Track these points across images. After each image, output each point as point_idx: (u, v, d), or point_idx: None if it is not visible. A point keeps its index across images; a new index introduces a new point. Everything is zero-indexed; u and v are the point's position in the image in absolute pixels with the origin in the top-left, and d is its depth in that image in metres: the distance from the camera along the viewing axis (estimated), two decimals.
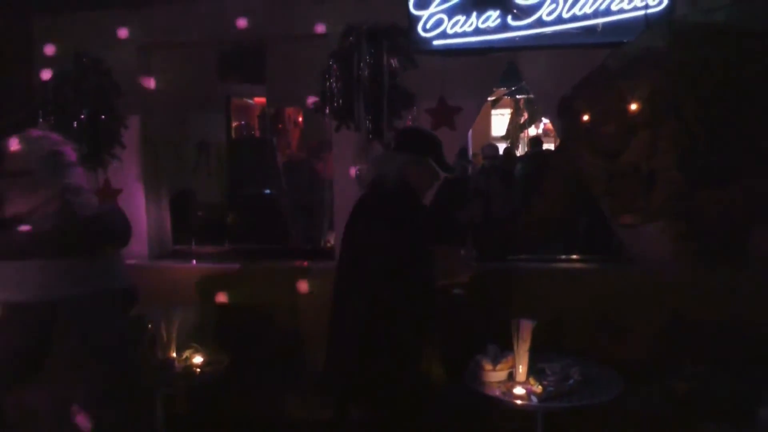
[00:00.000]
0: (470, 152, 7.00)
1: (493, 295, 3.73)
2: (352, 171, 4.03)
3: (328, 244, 4.78)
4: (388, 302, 2.46)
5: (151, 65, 4.53)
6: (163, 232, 4.80)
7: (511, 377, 2.67)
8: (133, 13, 4.31)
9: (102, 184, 4.33)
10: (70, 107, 4.07)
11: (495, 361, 2.67)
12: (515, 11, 3.86)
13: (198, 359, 3.31)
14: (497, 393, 2.58)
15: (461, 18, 3.90)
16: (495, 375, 2.65)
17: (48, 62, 4.23)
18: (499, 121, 10.59)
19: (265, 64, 4.54)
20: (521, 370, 2.64)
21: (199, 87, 4.62)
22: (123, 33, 4.30)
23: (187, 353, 3.33)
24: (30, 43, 4.44)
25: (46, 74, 4.13)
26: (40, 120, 4.13)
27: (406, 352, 2.49)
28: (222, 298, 4.21)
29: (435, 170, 2.59)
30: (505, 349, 2.71)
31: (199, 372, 3.24)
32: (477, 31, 3.90)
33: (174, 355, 3.28)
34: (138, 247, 4.51)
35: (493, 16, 3.88)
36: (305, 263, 4.43)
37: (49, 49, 4.29)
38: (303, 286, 4.12)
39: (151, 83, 4.42)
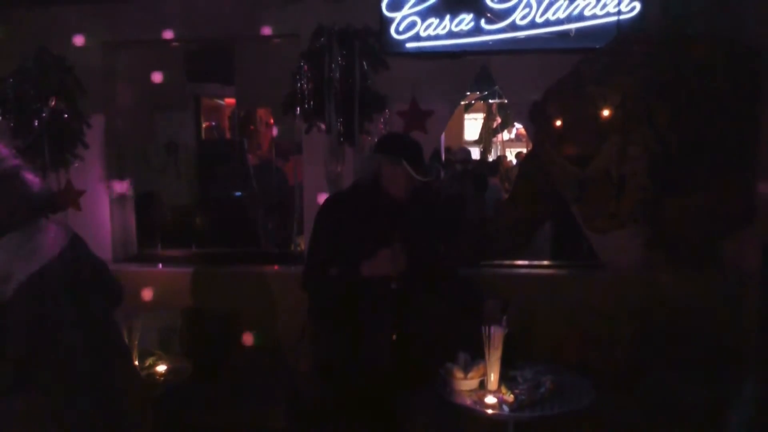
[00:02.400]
0: (443, 156, 6.98)
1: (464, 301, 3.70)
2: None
3: (298, 248, 4.71)
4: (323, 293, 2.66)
5: (116, 63, 4.42)
6: (127, 234, 4.69)
7: (482, 386, 2.63)
8: (97, 9, 4.21)
9: (64, 185, 4.21)
10: (30, 105, 3.95)
11: (466, 370, 2.63)
12: (489, 15, 3.85)
13: (161, 367, 3.22)
14: (468, 402, 2.54)
15: (434, 21, 3.88)
16: (466, 383, 2.60)
17: (8, 58, 4.09)
18: (473, 125, 10.62)
19: (235, 64, 4.46)
20: (493, 378, 2.59)
21: (167, 86, 4.51)
22: (86, 30, 4.19)
23: (150, 361, 3.24)
24: None
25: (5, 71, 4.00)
26: (0, 118, 4.01)
27: (342, 346, 2.61)
28: (188, 303, 4.11)
29: (410, 173, 2.59)
30: (475, 356, 2.67)
31: (163, 381, 3.15)
32: (450, 35, 3.89)
33: (136, 363, 3.18)
34: (101, 250, 4.36)
35: (466, 20, 3.86)
36: (275, 267, 4.36)
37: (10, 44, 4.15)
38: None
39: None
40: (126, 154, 4.62)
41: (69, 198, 4.24)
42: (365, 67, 3.79)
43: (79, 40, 4.19)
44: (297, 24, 4.01)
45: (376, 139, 3.86)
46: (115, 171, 4.51)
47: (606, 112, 3.24)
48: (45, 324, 1.80)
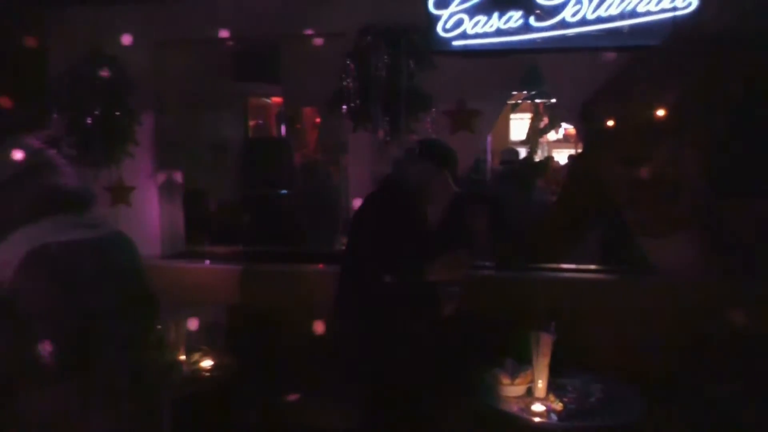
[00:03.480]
0: (489, 157, 6.90)
1: (510, 306, 3.63)
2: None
3: (343, 247, 4.70)
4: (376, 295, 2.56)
5: (165, 62, 4.48)
6: (176, 231, 4.75)
7: (529, 393, 2.57)
8: (148, 9, 4.27)
9: (115, 182, 4.29)
10: (83, 103, 4.04)
11: (513, 375, 2.58)
12: (538, 12, 3.76)
13: (207, 363, 3.24)
14: (515, 409, 2.49)
15: (482, 18, 3.81)
16: (513, 390, 2.56)
17: (63, 58, 4.20)
18: (519, 125, 10.45)
19: (282, 63, 4.48)
20: (540, 385, 2.54)
21: (215, 84, 4.56)
22: (137, 30, 4.25)
23: (196, 356, 3.27)
24: (45, 38, 4.41)
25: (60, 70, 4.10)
26: (54, 116, 4.11)
27: (392, 348, 2.55)
28: (234, 300, 4.15)
29: (449, 184, 2.58)
30: (522, 362, 2.61)
31: (208, 376, 3.17)
32: (498, 32, 3.80)
33: (182, 357, 3.21)
34: (150, 246, 4.46)
35: (515, 17, 3.78)
36: (320, 266, 4.36)
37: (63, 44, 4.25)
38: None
39: None
40: (175, 152, 4.68)
41: (120, 194, 4.34)
42: (411, 66, 3.76)
43: (128, 39, 4.26)
44: (344, 22, 4.00)
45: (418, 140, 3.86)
46: (164, 168, 4.57)
47: (660, 113, 3.14)
48: (81, 306, 1.79)
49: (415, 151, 2.75)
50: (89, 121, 4.06)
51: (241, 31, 4.27)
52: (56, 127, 4.09)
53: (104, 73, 4.05)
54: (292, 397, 3.65)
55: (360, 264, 2.61)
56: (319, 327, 3.59)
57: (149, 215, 4.52)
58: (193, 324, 3.32)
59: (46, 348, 1.67)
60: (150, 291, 2.10)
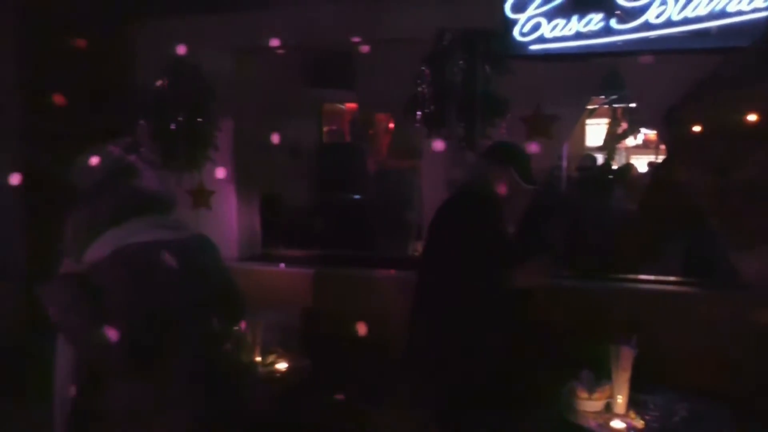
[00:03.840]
0: (565, 164, 6.73)
1: (588, 317, 3.52)
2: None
3: (416, 253, 4.69)
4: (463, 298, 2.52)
5: (244, 69, 4.60)
6: (253, 234, 4.87)
7: (608, 408, 2.48)
8: (228, 18, 4.39)
9: (196, 186, 4.43)
10: (168, 110, 4.20)
11: (590, 389, 2.49)
12: (619, 13, 3.64)
13: (282, 365, 3.29)
14: (593, 425, 2.41)
15: (561, 21, 3.72)
16: (591, 404, 2.47)
17: (147, 67, 4.37)
18: (595, 131, 10.16)
19: (356, 70, 4.51)
20: (620, 401, 2.44)
21: (291, 91, 4.65)
22: (218, 38, 4.39)
23: (271, 358, 3.32)
24: (130, 47, 4.61)
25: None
26: (141, 122, 4.28)
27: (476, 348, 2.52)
28: (308, 303, 4.20)
29: (517, 181, 2.54)
30: (601, 376, 2.52)
31: (283, 378, 3.22)
32: (577, 35, 3.70)
33: (258, 359, 3.27)
34: (228, 248, 4.58)
35: (595, 20, 3.67)
36: (392, 272, 4.36)
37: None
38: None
39: None
40: (252, 157, 4.79)
41: (201, 197, 4.48)
42: (487, 71, 3.71)
43: (210, 47, 4.40)
44: (419, 27, 3.99)
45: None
46: (243, 173, 4.69)
47: (751, 118, 2.99)
48: (159, 307, 1.84)
49: (482, 154, 2.76)
50: (173, 127, 4.21)
51: (317, 38, 4.34)
52: (141, 134, 4.26)
53: (187, 80, 4.19)
54: (363, 401, 3.66)
55: (438, 271, 2.60)
56: (390, 332, 3.60)
57: (227, 218, 4.65)
58: (268, 326, 3.38)
59: (116, 339, 1.73)
60: (235, 291, 2.16)
